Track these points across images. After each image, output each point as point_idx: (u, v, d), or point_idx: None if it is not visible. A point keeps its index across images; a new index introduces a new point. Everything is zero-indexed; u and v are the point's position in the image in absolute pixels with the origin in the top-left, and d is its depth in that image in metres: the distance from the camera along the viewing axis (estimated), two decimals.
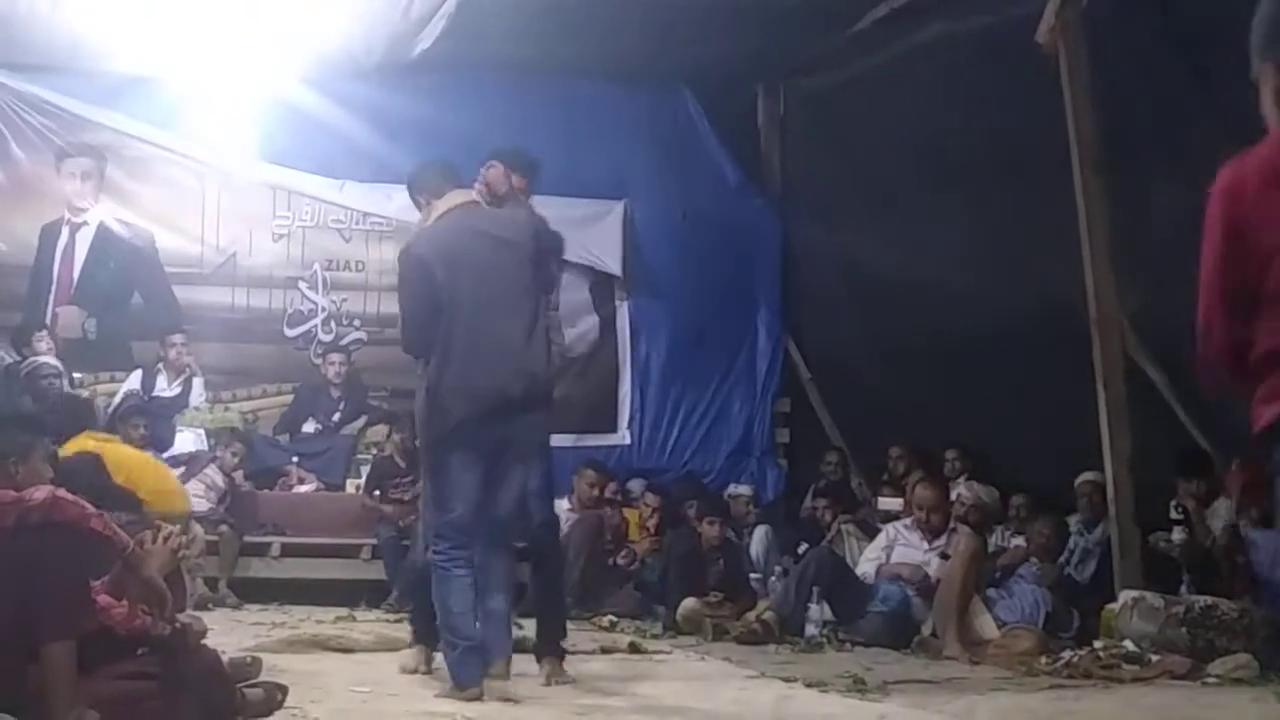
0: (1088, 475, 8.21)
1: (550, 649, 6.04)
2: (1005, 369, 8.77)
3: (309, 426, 10.73)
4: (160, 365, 10.37)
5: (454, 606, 5.40)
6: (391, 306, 11.26)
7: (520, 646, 6.00)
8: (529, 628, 6.31)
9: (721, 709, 5.54)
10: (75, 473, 5.22)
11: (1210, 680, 6.32)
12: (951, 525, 7.98)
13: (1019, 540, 8.36)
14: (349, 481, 10.28)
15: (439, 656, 5.77)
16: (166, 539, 4.36)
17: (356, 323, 11.27)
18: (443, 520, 5.45)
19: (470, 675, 5.37)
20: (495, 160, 6.04)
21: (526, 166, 6.13)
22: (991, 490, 8.79)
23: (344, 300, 11.26)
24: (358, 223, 11.29)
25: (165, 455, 9.68)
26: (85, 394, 9.10)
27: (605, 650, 7.22)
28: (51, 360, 9.32)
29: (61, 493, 4.01)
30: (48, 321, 10.46)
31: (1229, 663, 6.44)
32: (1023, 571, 7.90)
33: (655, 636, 8.01)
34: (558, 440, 7.13)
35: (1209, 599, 6.89)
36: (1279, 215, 2.42)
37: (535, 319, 5.54)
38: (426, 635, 5.98)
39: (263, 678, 5.05)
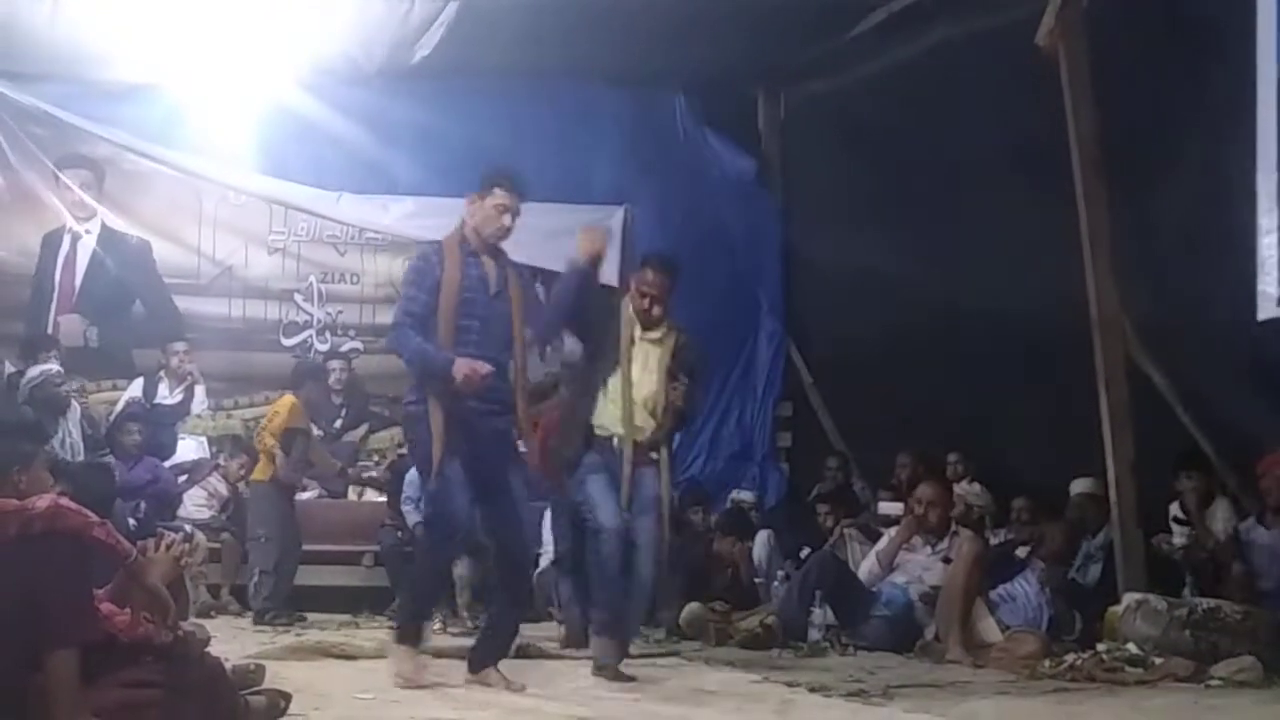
0: (1081, 486, 8.21)
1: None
2: (1007, 372, 8.76)
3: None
4: (162, 373, 10.36)
5: None
6: (386, 317, 11.39)
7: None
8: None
9: (724, 714, 5.54)
10: (80, 481, 5.21)
11: (1214, 683, 6.30)
12: (953, 529, 7.97)
13: (1022, 544, 8.35)
14: (350, 488, 10.26)
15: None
16: (169, 546, 4.36)
17: (352, 333, 11.30)
18: None
19: None
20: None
21: None
22: (985, 492, 8.77)
23: (340, 312, 11.30)
24: (353, 237, 11.33)
25: (169, 463, 9.69)
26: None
27: None
28: (58, 367, 9.30)
29: (64, 501, 4.01)
30: (49, 330, 10.47)
31: (1233, 665, 6.42)
32: (1026, 574, 7.89)
33: (658, 641, 8.01)
34: None
35: (1212, 601, 6.87)
36: None
37: None
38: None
39: (266, 685, 5.04)
